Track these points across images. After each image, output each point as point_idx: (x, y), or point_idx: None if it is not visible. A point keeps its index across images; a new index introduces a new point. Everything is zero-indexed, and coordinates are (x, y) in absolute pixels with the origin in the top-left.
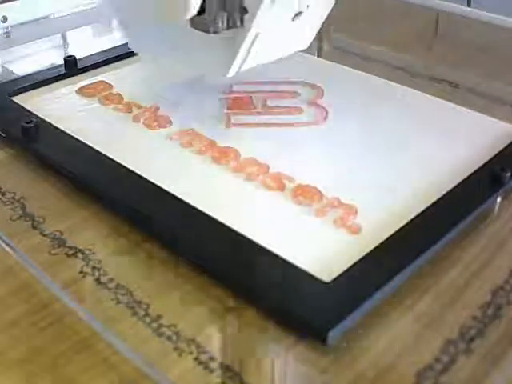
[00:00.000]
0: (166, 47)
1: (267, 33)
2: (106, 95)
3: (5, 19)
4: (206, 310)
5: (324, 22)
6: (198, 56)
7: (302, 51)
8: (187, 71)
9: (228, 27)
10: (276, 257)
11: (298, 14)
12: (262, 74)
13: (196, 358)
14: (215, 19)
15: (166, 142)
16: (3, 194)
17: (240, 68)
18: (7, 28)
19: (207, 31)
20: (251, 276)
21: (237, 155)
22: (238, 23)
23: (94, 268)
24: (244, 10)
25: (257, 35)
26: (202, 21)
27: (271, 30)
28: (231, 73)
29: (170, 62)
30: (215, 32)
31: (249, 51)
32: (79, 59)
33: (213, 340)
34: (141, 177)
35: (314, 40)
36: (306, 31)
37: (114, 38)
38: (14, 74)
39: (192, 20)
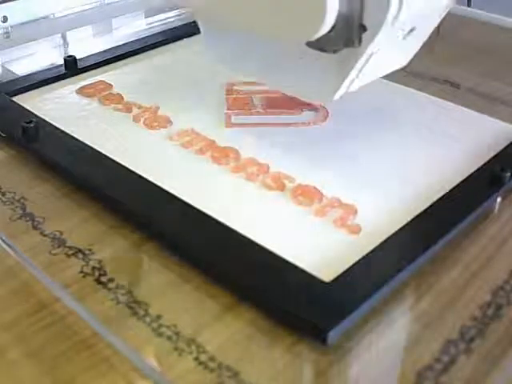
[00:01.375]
0: (258, 65)
1: (380, 51)
2: (106, 95)
3: (5, 19)
4: (205, 310)
5: None
6: (300, 77)
7: None
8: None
9: (345, 46)
10: (276, 257)
11: (411, 30)
12: None
13: (196, 358)
14: (335, 38)
15: (165, 142)
16: (3, 194)
17: (347, 90)
18: (7, 28)
19: (325, 50)
20: (251, 276)
21: (237, 155)
22: (356, 43)
23: (93, 268)
24: (363, 28)
25: (371, 55)
26: (320, 40)
27: (385, 48)
28: (337, 96)
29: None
30: (334, 52)
31: (359, 72)
32: (79, 59)
33: (213, 340)
34: (141, 177)
35: None
36: (410, 47)
37: (114, 38)
38: (14, 74)
39: None
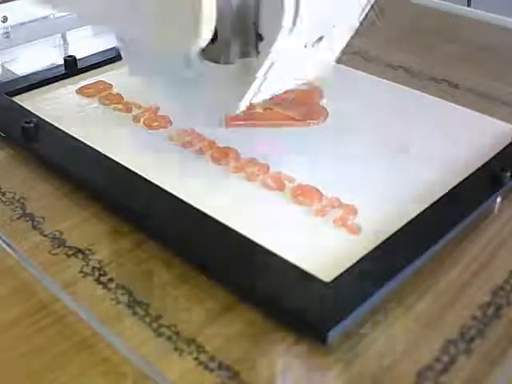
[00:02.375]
0: (166, 76)
1: (283, 61)
2: (106, 95)
3: (5, 19)
4: (205, 310)
5: None
6: (205, 89)
7: None
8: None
9: (241, 57)
10: (276, 257)
11: (320, 38)
12: None
13: (196, 358)
14: (228, 48)
15: (165, 142)
16: (3, 194)
17: (252, 100)
18: (7, 28)
19: (218, 62)
20: (251, 276)
21: (237, 155)
22: (253, 52)
23: (93, 268)
24: (259, 38)
25: (272, 64)
26: (212, 50)
27: (288, 57)
28: (242, 107)
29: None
30: (227, 62)
31: (263, 82)
32: (79, 59)
33: (213, 340)
34: (141, 177)
35: None
36: (326, 55)
37: (114, 38)
38: (14, 74)
39: (201, 49)
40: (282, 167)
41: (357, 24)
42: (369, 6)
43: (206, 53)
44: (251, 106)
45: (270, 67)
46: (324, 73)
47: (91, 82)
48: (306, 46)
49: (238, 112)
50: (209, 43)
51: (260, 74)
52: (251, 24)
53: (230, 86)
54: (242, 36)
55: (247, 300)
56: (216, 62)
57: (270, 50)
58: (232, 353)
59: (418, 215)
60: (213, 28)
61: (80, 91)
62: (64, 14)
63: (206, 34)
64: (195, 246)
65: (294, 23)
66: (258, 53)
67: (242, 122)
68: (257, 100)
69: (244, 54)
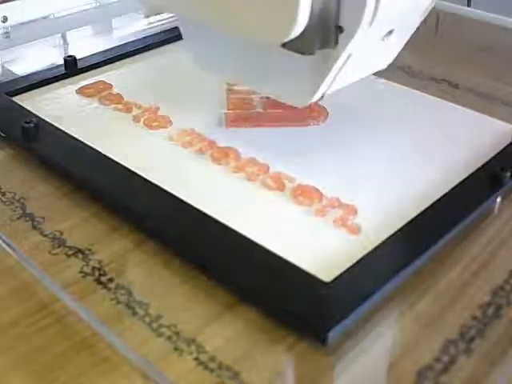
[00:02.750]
0: (237, 68)
1: (359, 53)
2: (106, 95)
3: (5, 19)
4: (205, 310)
5: None
6: (277, 79)
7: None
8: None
9: (320, 48)
10: (276, 257)
11: (390, 32)
12: None
13: (196, 358)
14: (311, 39)
15: (166, 142)
16: (3, 194)
17: (325, 92)
18: (7, 28)
19: (302, 52)
20: (251, 276)
21: (237, 155)
22: (333, 44)
23: (93, 268)
24: (339, 29)
25: (349, 56)
26: (296, 41)
27: (363, 49)
28: (315, 98)
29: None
30: (310, 53)
31: (337, 74)
32: (79, 59)
33: (213, 340)
34: (141, 177)
35: None
36: (390, 49)
37: (114, 38)
38: (14, 74)
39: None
40: (282, 167)
41: (419, 22)
42: (430, 7)
43: (288, 43)
44: (251, 106)
45: (347, 58)
46: (383, 67)
47: (91, 81)
48: (383, 39)
49: (310, 102)
50: None
51: (338, 65)
52: (332, 15)
53: (305, 76)
54: (323, 27)
55: (247, 300)
56: (301, 52)
57: (350, 42)
58: (232, 353)
59: (418, 215)
60: (308, 17)
61: (80, 91)
62: (64, 13)
63: (302, 24)
64: (195, 245)
65: (374, 17)
66: (336, 44)
67: (242, 122)
68: (331, 90)
69: (323, 45)
